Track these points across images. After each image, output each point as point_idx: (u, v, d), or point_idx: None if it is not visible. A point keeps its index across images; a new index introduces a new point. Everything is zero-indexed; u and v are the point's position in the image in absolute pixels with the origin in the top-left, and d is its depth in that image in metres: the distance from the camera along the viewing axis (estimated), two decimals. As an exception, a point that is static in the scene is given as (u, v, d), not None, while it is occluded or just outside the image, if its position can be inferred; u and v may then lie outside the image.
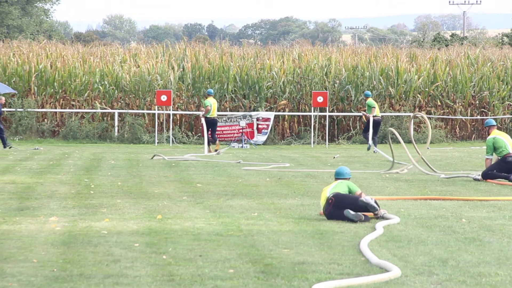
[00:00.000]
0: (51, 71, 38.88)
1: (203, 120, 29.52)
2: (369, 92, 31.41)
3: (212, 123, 29.70)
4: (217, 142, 29.68)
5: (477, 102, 40.18)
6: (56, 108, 38.08)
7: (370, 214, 11.72)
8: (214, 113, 29.83)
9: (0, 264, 8.33)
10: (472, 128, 39.46)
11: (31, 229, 10.73)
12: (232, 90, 38.56)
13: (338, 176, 12.13)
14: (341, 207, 11.42)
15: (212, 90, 30.57)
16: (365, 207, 11.40)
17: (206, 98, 30.32)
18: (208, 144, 28.98)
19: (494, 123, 19.71)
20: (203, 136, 29.85)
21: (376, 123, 29.65)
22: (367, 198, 11.46)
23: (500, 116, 39.20)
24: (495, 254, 9.02)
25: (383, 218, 11.43)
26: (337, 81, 38.37)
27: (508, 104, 39.87)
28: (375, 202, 11.46)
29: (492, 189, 16.58)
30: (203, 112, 29.44)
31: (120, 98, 37.69)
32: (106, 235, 10.16)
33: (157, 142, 34.87)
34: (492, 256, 8.85)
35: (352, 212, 11.29)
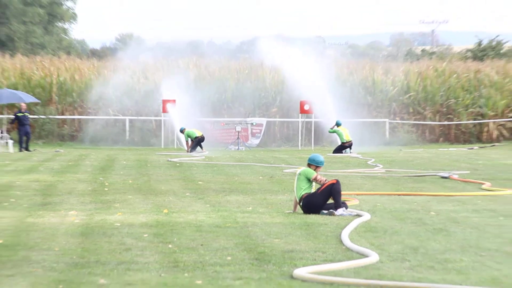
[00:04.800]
0: (70, 82, 38.98)
1: (187, 144, 30.50)
2: (340, 121, 30.86)
3: (201, 140, 30.31)
4: (197, 151, 29.70)
5: (445, 109, 40.24)
6: (74, 115, 38.12)
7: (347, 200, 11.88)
8: (199, 133, 30.41)
9: (27, 252, 8.37)
10: (440, 132, 39.53)
11: (53, 222, 10.75)
12: (230, 99, 38.64)
13: (311, 162, 12.03)
14: (311, 207, 11.61)
15: (192, 131, 30.62)
16: (330, 201, 11.63)
17: (183, 132, 30.70)
18: (193, 149, 29.82)
19: None
20: (188, 149, 29.96)
21: (349, 146, 29.64)
22: (322, 211, 11.53)
23: (464, 122, 39.28)
24: (460, 242, 9.05)
25: (344, 208, 11.52)
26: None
27: (471, 111, 39.94)
28: (338, 203, 11.53)
29: (457, 186, 16.60)
30: (189, 144, 30.26)
31: (131, 106, 37.68)
32: (119, 227, 10.18)
33: (163, 145, 34.87)
34: (457, 245, 8.89)
35: (325, 211, 11.46)
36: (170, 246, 8.71)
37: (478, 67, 43.62)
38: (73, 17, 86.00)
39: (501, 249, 8.59)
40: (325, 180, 11.73)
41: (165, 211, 11.86)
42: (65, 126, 37.95)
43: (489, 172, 19.49)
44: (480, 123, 39.29)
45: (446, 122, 39.40)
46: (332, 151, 29.59)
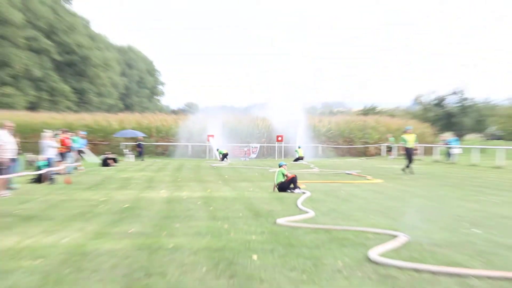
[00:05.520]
0: (161, 126, 38.97)
1: (219, 157, 30.14)
2: (300, 145, 31.13)
3: (227, 155, 30.13)
4: (225, 161, 29.51)
5: (348, 139, 40.26)
6: (163, 142, 38.11)
7: (300, 185, 11.88)
8: (226, 151, 30.43)
9: (140, 211, 8.38)
10: (346, 151, 39.44)
11: (152, 196, 10.78)
12: (241, 134, 38.67)
13: (281, 164, 12.19)
14: (282, 188, 11.57)
15: (222, 150, 30.60)
16: (291, 185, 11.56)
17: (218, 151, 30.92)
18: (222, 160, 29.39)
19: (407, 128, 18.75)
20: (220, 160, 29.86)
21: (301, 158, 29.69)
22: (288, 191, 11.42)
23: (358, 146, 39.31)
24: (357, 206, 9.06)
25: (298, 188, 11.48)
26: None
27: (362, 140, 39.96)
28: (295, 186, 11.48)
29: (355, 178, 16.61)
30: (221, 156, 29.82)
31: (191, 137, 37.62)
32: (186, 199, 10.21)
33: (208, 157, 34.86)
34: (356, 207, 8.90)
35: (289, 191, 11.45)
36: (211, 208, 8.73)
37: (365, 119, 43.83)
38: (162, 93, 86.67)
39: (380, 211, 8.57)
40: (290, 175, 11.81)
41: (208, 190, 11.88)
42: (159, 148, 37.87)
43: (370, 171, 19.53)
44: (365, 146, 39.30)
45: (349, 146, 39.43)
46: (293, 160, 29.61)
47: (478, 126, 50.22)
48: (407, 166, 17.87)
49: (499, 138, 47.10)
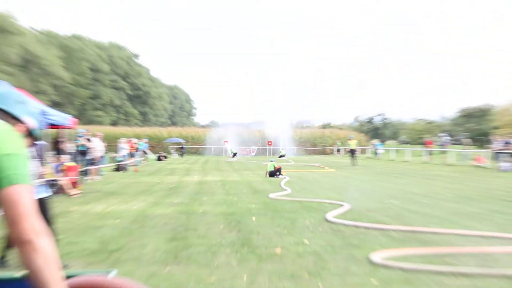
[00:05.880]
0: (195, 135, 38.62)
1: (231, 155, 29.31)
2: (283, 148, 31.11)
3: (236, 153, 29.50)
4: (235, 157, 29.13)
5: (314, 143, 39.90)
6: (196, 145, 37.80)
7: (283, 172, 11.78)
8: (235, 151, 29.74)
9: (181, 189, 8.28)
10: (311, 151, 39.00)
11: (189, 180, 10.66)
12: (246, 140, 38.33)
13: (271, 160, 12.06)
14: (271, 175, 11.30)
15: (233, 150, 29.92)
16: (277, 173, 11.34)
17: (231, 151, 30.50)
18: (233, 157, 28.68)
19: (351, 136, 18.53)
20: (232, 157, 29.56)
21: (283, 155, 29.55)
22: (275, 176, 11.16)
23: (319, 148, 39.01)
24: (318, 186, 8.95)
25: (281, 175, 11.26)
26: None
27: (321, 144, 39.52)
28: (279, 173, 11.27)
29: (317, 168, 16.50)
30: (232, 154, 29.08)
31: (214, 142, 37.29)
32: (210, 181, 10.12)
33: (224, 155, 34.58)
34: (317, 187, 8.80)
35: (276, 176, 11.18)
36: (226, 187, 8.66)
37: (323, 131, 43.45)
38: (195, 114, 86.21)
39: (333, 189, 8.54)
40: (277, 166, 11.75)
41: (224, 176, 11.76)
42: (193, 149, 37.40)
43: (327, 164, 19.33)
44: (324, 148, 38.89)
45: (313, 148, 39.08)
46: (278, 157, 29.37)
47: (394, 135, 51.12)
48: (354, 161, 17.85)
49: (407, 143, 47.42)
